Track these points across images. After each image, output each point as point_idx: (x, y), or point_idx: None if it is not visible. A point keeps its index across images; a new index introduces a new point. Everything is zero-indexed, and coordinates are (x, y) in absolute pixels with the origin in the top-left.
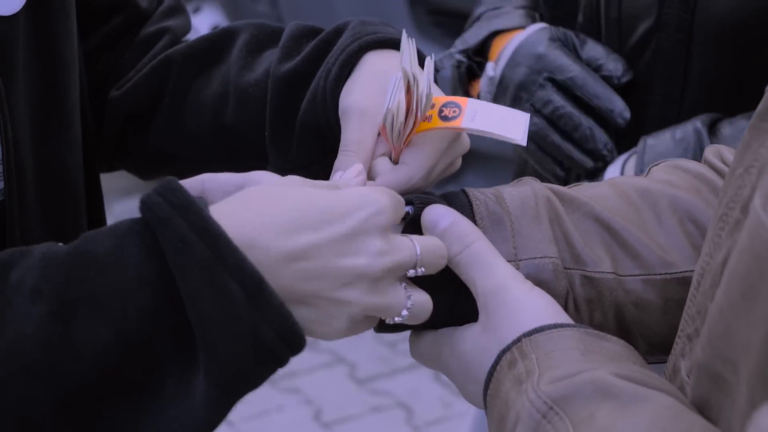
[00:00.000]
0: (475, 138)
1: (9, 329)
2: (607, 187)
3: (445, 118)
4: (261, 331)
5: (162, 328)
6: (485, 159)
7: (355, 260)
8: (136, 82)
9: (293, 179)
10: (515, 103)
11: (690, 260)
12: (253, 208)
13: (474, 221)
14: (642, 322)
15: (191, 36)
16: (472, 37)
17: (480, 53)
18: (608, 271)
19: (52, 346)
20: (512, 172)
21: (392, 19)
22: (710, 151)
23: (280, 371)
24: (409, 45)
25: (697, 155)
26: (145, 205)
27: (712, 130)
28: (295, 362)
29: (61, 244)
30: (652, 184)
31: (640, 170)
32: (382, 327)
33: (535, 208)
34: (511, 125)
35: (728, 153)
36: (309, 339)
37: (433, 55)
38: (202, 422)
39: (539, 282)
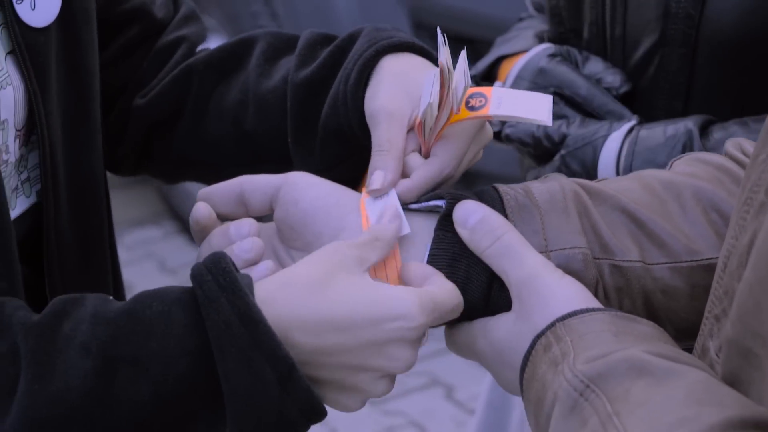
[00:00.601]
0: (484, 159)
1: (58, 378)
2: (632, 181)
3: (472, 108)
4: (286, 410)
5: (195, 392)
6: (491, 180)
7: (381, 363)
8: (159, 91)
9: (339, 251)
10: None
11: (715, 248)
12: (293, 299)
13: (505, 215)
14: (670, 308)
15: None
16: (481, 63)
17: (488, 78)
18: (636, 260)
19: (93, 398)
20: None
21: None
22: (731, 144)
23: None
24: (444, 41)
25: None
26: (195, 280)
27: (704, 132)
28: None
29: (111, 298)
30: (676, 177)
31: (630, 156)
32: None
33: (564, 201)
34: (536, 107)
35: (749, 145)
36: None
37: (466, 47)
38: None
39: (570, 272)
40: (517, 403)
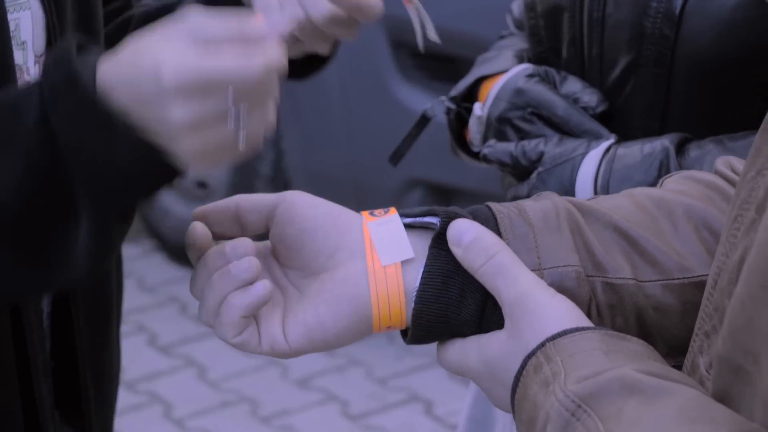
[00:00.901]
0: (463, 176)
1: None
2: (624, 198)
3: None
4: (119, 161)
5: (60, 157)
6: (472, 197)
7: (164, 56)
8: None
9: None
10: (500, 137)
11: (706, 265)
12: (126, 55)
13: (499, 234)
14: (662, 325)
15: None
16: (461, 83)
17: (469, 99)
18: (628, 278)
19: None
20: None
21: (375, 61)
22: (721, 162)
23: (272, 409)
24: None
25: (662, 172)
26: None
27: (680, 150)
28: (288, 400)
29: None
30: (667, 195)
31: (607, 174)
32: (413, 339)
33: (557, 219)
34: None
35: (738, 163)
36: (295, 377)
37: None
38: (99, 236)
39: (563, 289)
40: (499, 417)
